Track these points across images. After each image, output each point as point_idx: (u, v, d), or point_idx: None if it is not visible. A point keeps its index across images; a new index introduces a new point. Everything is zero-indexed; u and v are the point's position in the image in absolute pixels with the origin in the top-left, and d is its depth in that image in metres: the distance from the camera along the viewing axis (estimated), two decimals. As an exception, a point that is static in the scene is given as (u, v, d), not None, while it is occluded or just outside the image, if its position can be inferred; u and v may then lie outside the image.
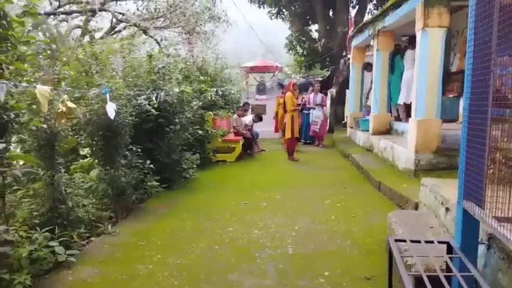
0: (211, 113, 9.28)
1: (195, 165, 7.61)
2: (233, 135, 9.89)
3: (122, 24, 16.32)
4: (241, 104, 11.39)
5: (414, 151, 6.22)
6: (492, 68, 2.55)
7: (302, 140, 11.65)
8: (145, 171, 6.09)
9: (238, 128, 9.90)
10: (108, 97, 4.47)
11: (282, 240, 4.37)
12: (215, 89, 8.14)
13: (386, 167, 7.31)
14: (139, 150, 5.75)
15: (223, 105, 10.42)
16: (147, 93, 5.84)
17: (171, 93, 6.05)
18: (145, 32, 15.35)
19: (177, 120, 6.51)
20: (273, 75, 14.47)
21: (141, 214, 5.49)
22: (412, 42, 8.70)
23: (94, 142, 5.36)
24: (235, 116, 10.09)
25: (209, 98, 7.75)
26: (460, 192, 2.75)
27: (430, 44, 6.10)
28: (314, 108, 11.39)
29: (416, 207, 4.76)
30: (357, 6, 18.05)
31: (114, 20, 15.78)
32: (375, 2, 18.46)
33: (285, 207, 5.55)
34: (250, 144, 10.16)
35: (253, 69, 14.44)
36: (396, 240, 2.86)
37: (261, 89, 14.55)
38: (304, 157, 9.69)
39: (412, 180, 6.02)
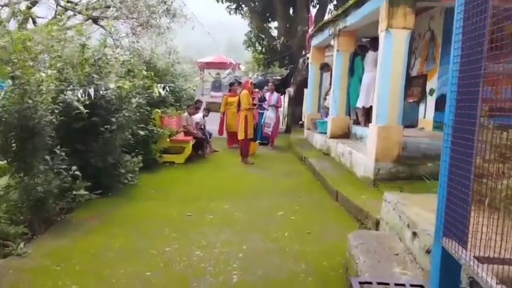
0: (158, 110, 8.50)
1: (137, 169, 6.83)
2: (183, 135, 9.16)
3: (70, 13, 15.12)
4: (195, 102, 10.62)
5: (374, 159, 5.81)
6: (482, 77, 2.08)
7: (258, 141, 11.11)
8: (75, 176, 5.28)
9: (189, 128, 9.17)
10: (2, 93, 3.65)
11: (227, 264, 3.75)
12: (162, 85, 7.37)
13: (343, 173, 6.90)
14: (63, 153, 4.92)
15: (174, 102, 9.63)
16: (70, 87, 5.00)
17: (103, 88, 5.25)
18: (95, 22, 14.26)
19: (113, 119, 5.70)
20: (230, 72, 13.81)
21: (64, 228, 4.67)
22: (373, 44, 8.38)
23: (7, 144, 4.49)
24: (185, 114, 9.35)
25: (154, 94, 6.97)
26: (439, 226, 2.24)
27: (393, 46, 5.71)
28: (267, 109, 10.86)
29: (377, 224, 4.31)
30: (318, 6, 17.75)
31: (60, 7, 14.53)
32: (335, 2, 18.25)
33: (233, 221, 4.94)
34: (201, 145, 9.47)
35: (208, 65, 13.73)
36: (361, 283, 2.32)
37: (217, 85, 13.90)
38: (259, 160, 9.13)
39: (371, 191, 5.61)
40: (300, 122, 14.37)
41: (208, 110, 10.49)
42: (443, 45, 7.11)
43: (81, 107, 4.93)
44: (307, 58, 14.28)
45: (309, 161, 8.24)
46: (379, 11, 6.02)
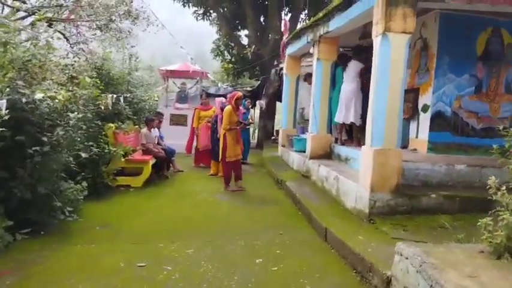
0: (111, 125, 7.25)
1: (81, 197, 5.57)
2: (141, 154, 7.92)
3: (22, 14, 13.63)
4: (154, 115, 9.36)
5: (369, 189, 4.84)
6: None
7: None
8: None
9: (148, 146, 7.95)
10: None
11: None
12: (114, 95, 6.18)
13: (329, 203, 5.89)
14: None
15: (132, 115, 8.40)
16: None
17: (25, 99, 4.01)
18: (50, 24, 12.88)
19: (44, 138, 4.46)
20: (197, 81, 12.69)
21: (-36, 292, 3.39)
22: (357, 52, 7.56)
23: None
24: (144, 130, 8.11)
25: (103, 107, 5.75)
26: None
27: (392, 53, 4.80)
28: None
29: (387, 283, 3.29)
30: (289, 14, 17.01)
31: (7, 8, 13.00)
32: (306, 12, 17.57)
33: (198, 276, 3.77)
34: (163, 164, 8.27)
35: (173, 74, 12.52)
36: None
37: (183, 96, 12.69)
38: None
39: (368, 228, 4.63)
40: (272, 137, 13.42)
41: (162, 116, 9.23)
42: (438, 55, 6.31)
43: (-6, 125, 3.66)
44: (280, 69, 13.41)
45: (286, 185, 7.21)
46: (370, 13, 5.15)
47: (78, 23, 13.23)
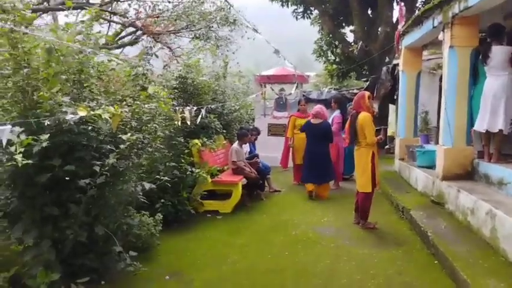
0: (197, 141, 6.32)
1: (157, 232, 4.66)
2: (230, 173, 6.87)
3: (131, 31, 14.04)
4: (248, 128, 8.29)
5: None
6: None
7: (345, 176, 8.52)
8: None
9: (239, 164, 6.83)
10: None
11: None
12: (193, 108, 5.21)
13: (481, 249, 4.06)
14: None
15: (221, 129, 7.41)
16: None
17: (65, 118, 3.10)
18: (155, 39, 13.01)
19: (97, 168, 3.55)
20: (296, 86, 11.41)
21: None
22: (496, 34, 5.50)
23: None
24: (235, 145, 7.03)
25: (177, 122, 4.78)
26: None
27: None
28: None
29: None
30: (402, 3, 14.77)
31: (116, 25, 13.37)
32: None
33: None
34: (256, 184, 7.11)
35: (270, 79, 11.43)
36: None
37: (281, 103, 11.52)
38: (337, 207, 6.55)
39: None
40: (386, 147, 11.48)
41: (258, 133, 8.28)
42: None
43: (18, 156, 2.77)
44: (393, 66, 11.45)
45: (411, 216, 5.46)
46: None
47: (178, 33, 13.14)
